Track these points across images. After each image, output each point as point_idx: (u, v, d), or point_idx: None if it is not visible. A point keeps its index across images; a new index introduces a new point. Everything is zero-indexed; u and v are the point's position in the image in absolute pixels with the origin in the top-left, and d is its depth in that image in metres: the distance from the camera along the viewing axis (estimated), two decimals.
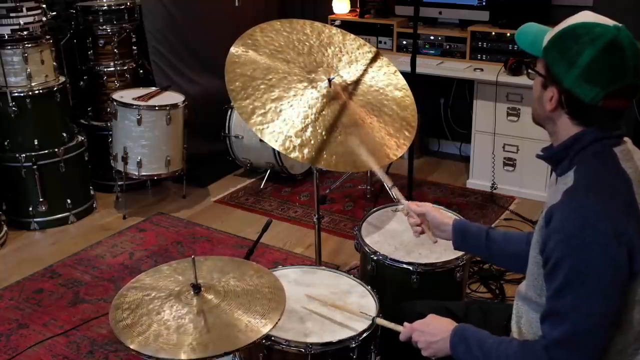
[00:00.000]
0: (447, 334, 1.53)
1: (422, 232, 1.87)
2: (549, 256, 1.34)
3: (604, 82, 1.33)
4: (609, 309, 1.30)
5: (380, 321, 1.77)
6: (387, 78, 2.43)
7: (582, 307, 1.30)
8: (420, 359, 1.64)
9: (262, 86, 2.17)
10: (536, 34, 1.47)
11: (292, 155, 2.02)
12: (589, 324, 1.30)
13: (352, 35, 2.50)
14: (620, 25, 1.36)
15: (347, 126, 2.16)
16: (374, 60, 2.46)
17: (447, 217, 1.85)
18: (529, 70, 1.49)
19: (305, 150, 2.04)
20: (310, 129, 2.10)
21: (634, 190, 1.34)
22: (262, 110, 2.10)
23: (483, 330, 1.51)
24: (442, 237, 1.85)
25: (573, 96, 1.36)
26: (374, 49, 2.50)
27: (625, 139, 1.43)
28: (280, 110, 2.12)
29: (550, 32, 1.42)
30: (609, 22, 1.37)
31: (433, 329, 1.57)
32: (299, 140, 2.06)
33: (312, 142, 2.07)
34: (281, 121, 2.09)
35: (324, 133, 2.10)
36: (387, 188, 1.95)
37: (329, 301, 1.88)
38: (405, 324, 1.65)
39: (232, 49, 2.24)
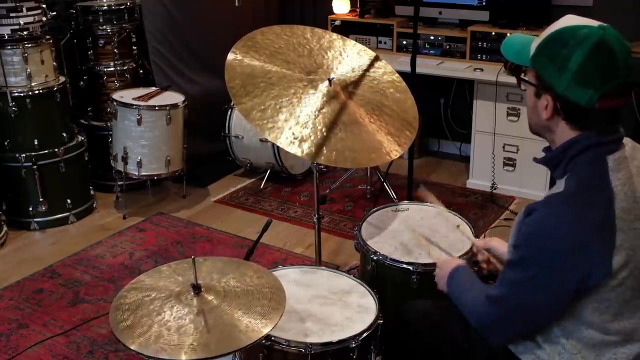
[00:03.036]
0: (449, 271, 1.73)
1: (494, 269, 1.94)
2: (516, 241, 1.43)
3: (597, 83, 1.33)
4: (537, 301, 1.40)
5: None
6: (387, 81, 2.44)
7: (515, 285, 1.43)
8: (419, 359, 1.64)
9: (261, 84, 2.18)
10: (522, 44, 1.47)
11: (292, 150, 2.03)
12: (514, 298, 1.44)
13: (352, 41, 2.52)
14: (605, 25, 1.36)
15: (347, 124, 2.17)
16: (373, 63, 2.47)
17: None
18: (521, 80, 1.49)
19: (305, 146, 2.05)
20: (310, 126, 2.10)
21: (615, 205, 1.35)
22: (262, 107, 2.11)
23: (474, 275, 1.70)
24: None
25: (568, 101, 1.36)
26: (373, 54, 2.51)
27: (625, 140, 1.42)
28: (280, 108, 2.12)
29: (537, 40, 1.42)
30: (594, 23, 1.36)
31: (446, 266, 1.76)
32: (299, 136, 2.06)
33: (312, 138, 2.08)
34: (281, 118, 2.09)
35: (324, 130, 2.11)
36: (459, 224, 2.15)
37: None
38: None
39: (233, 49, 2.25)
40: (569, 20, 1.39)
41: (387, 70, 2.47)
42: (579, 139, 1.39)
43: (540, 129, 1.48)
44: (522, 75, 1.47)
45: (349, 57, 2.45)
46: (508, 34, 3.92)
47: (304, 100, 2.18)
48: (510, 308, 1.46)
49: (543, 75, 1.39)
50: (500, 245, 1.89)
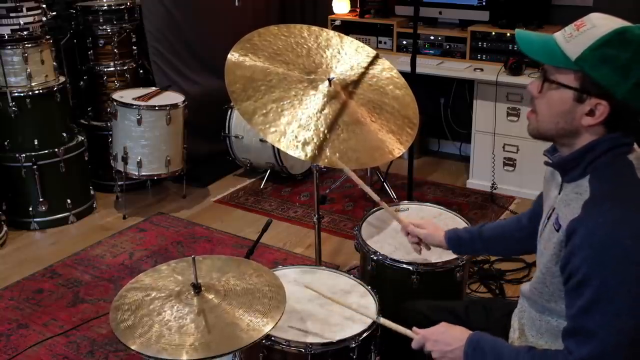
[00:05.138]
0: (462, 343, 1.49)
1: (419, 249, 2.00)
2: (573, 272, 1.30)
3: None
4: (637, 325, 1.27)
5: (385, 322, 1.73)
6: (386, 77, 2.43)
7: (612, 325, 1.26)
8: (419, 359, 1.64)
9: (262, 87, 2.17)
10: (546, 41, 1.38)
11: (295, 154, 2.03)
12: (618, 341, 1.27)
13: (350, 38, 2.51)
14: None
15: (348, 124, 2.16)
16: (372, 61, 2.47)
17: (439, 235, 1.93)
18: (546, 82, 1.38)
19: (308, 149, 2.05)
20: (312, 128, 2.10)
21: None
22: (264, 111, 2.11)
23: (498, 338, 1.48)
24: (442, 248, 1.97)
25: (625, 106, 1.31)
26: (371, 51, 2.50)
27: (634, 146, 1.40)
28: (282, 110, 2.12)
29: (574, 40, 1.33)
30: (624, 21, 1.32)
31: (447, 338, 1.53)
32: (301, 139, 2.06)
33: (315, 140, 2.07)
34: (283, 121, 2.09)
35: (325, 131, 2.11)
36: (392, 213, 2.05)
37: (332, 296, 1.87)
38: (415, 329, 1.62)
39: (231, 54, 2.25)
40: (604, 19, 1.33)
41: (385, 67, 2.47)
42: (602, 140, 1.34)
43: (562, 134, 1.39)
44: (549, 78, 1.37)
45: (347, 54, 2.44)
46: (508, 34, 3.92)
47: (305, 102, 2.18)
48: (613, 356, 1.27)
49: (599, 79, 1.30)
50: (427, 237, 1.95)
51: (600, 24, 1.32)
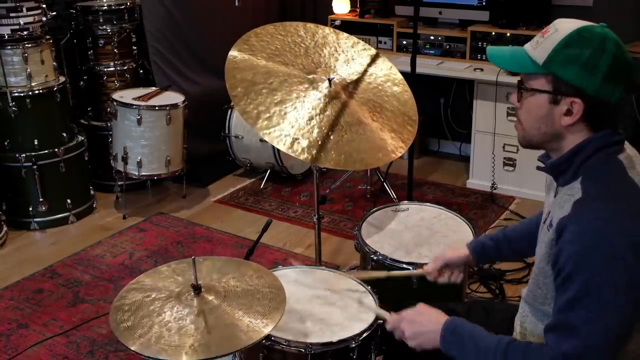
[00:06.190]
0: (438, 326, 1.49)
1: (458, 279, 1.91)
2: (561, 268, 1.30)
3: (625, 78, 1.33)
4: (621, 323, 1.27)
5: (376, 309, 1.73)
6: (384, 74, 2.42)
7: (596, 322, 1.26)
8: (420, 359, 1.63)
9: (264, 90, 2.17)
10: (515, 52, 1.43)
11: (301, 157, 2.02)
12: (601, 338, 1.27)
13: (345, 34, 2.50)
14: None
15: (351, 125, 2.16)
16: (369, 57, 2.46)
17: (461, 251, 1.87)
18: (522, 91, 1.42)
19: (314, 151, 2.04)
20: (316, 130, 2.10)
21: None
22: (267, 114, 2.10)
23: (476, 325, 1.47)
24: (467, 264, 1.90)
25: (600, 101, 1.33)
26: (368, 47, 2.50)
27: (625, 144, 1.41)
28: (285, 113, 2.12)
29: (540, 47, 1.37)
30: (588, 22, 1.37)
31: (423, 320, 1.53)
32: (306, 142, 2.06)
33: (319, 142, 2.07)
34: (287, 124, 2.09)
35: (329, 133, 2.10)
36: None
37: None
38: (393, 313, 1.63)
39: (230, 55, 2.24)
40: (567, 23, 1.37)
41: (382, 64, 2.45)
42: (591, 140, 1.35)
43: (547, 138, 1.41)
44: (526, 86, 1.41)
45: (345, 52, 2.43)
46: (508, 34, 3.92)
47: (307, 103, 2.17)
48: (594, 353, 1.27)
49: (568, 79, 1.33)
50: (449, 258, 1.87)
51: (562, 27, 1.37)
